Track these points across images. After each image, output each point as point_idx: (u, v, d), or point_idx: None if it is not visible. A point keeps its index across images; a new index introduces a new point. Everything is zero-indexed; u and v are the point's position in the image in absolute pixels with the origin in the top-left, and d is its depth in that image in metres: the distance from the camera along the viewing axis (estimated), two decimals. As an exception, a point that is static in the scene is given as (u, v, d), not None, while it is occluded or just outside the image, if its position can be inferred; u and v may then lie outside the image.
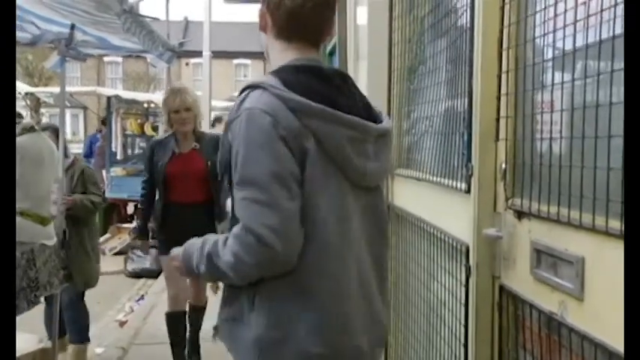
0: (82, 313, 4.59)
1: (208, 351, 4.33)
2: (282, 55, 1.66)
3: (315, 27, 1.66)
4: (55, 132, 4.56)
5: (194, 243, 1.67)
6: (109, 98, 11.55)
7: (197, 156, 4.22)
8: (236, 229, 1.50)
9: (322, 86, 1.57)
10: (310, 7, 1.61)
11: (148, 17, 3.99)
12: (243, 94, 1.59)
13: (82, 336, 4.58)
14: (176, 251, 1.73)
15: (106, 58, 31.53)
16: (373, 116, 1.66)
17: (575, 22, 1.55)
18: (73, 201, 4.36)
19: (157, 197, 4.39)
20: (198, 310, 4.44)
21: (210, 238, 1.62)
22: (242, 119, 1.52)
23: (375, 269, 1.67)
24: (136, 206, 9.52)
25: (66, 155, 4.48)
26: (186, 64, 31.72)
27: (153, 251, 4.59)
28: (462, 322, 2.18)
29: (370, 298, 1.64)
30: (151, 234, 4.70)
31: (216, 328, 1.70)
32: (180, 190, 4.19)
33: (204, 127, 9.71)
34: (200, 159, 4.19)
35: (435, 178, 2.57)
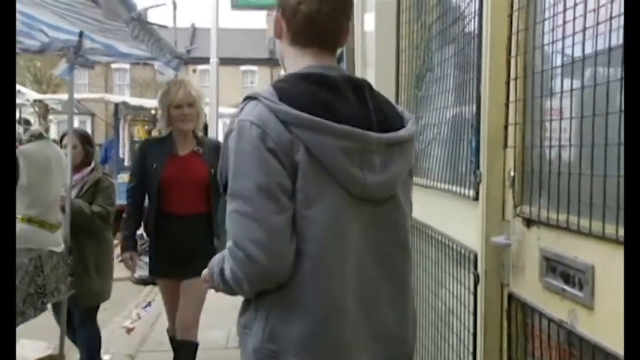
0: (91, 335, 4.26)
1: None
2: (296, 61, 1.64)
3: (330, 32, 1.64)
4: (80, 136, 4.35)
5: (215, 259, 1.67)
6: (116, 105, 11.60)
7: (198, 160, 3.71)
8: (229, 243, 1.51)
9: (326, 95, 1.54)
10: (326, 13, 1.59)
11: (156, 25, 3.98)
12: (240, 106, 1.59)
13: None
14: (205, 272, 1.73)
15: (113, 65, 31.70)
16: (390, 125, 1.61)
17: (585, 29, 1.54)
18: (70, 203, 4.02)
19: (147, 207, 3.83)
20: (186, 345, 3.77)
21: (224, 252, 1.60)
22: (235, 131, 1.52)
23: (387, 284, 1.61)
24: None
25: (88, 162, 4.34)
26: (194, 70, 31.83)
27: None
28: (471, 330, 2.17)
29: (376, 312, 1.59)
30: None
31: None
32: (180, 200, 3.66)
33: (211, 134, 9.75)
34: (202, 164, 3.69)
35: (443, 186, 2.56)
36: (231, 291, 1.60)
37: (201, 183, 3.67)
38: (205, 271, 1.72)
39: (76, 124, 6.10)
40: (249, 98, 1.58)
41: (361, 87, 1.64)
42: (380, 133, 1.57)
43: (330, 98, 1.54)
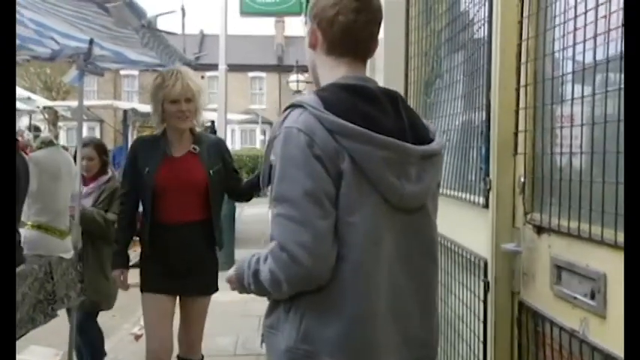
0: (93, 335, 4.23)
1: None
2: (332, 71, 1.68)
3: (364, 43, 1.70)
4: (97, 147, 4.32)
5: (245, 260, 1.70)
6: (125, 111, 11.66)
7: (195, 162, 3.27)
8: (272, 245, 1.55)
9: (366, 106, 1.59)
10: (363, 22, 1.65)
11: (165, 32, 4.00)
12: (285, 113, 1.63)
13: None
14: (230, 272, 1.77)
15: (122, 72, 31.86)
16: (421, 137, 1.65)
17: (595, 35, 1.54)
18: (82, 211, 3.98)
19: (141, 217, 3.38)
20: None
21: (258, 254, 1.65)
22: (281, 137, 1.57)
23: (415, 289, 1.65)
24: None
25: (105, 171, 4.33)
26: (202, 77, 31.88)
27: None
28: (481, 338, 2.16)
29: (404, 317, 1.63)
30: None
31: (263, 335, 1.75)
32: (175, 207, 3.22)
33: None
34: (199, 166, 3.26)
35: (452, 193, 2.56)
36: (262, 292, 1.63)
37: (198, 187, 3.24)
38: (231, 272, 1.75)
39: (85, 131, 6.11)
40: (293, 106, 1.62)
41: (395, 99, 1.68)
42: (413, 144, 1.61)
43: (369, 109, 1.58)
